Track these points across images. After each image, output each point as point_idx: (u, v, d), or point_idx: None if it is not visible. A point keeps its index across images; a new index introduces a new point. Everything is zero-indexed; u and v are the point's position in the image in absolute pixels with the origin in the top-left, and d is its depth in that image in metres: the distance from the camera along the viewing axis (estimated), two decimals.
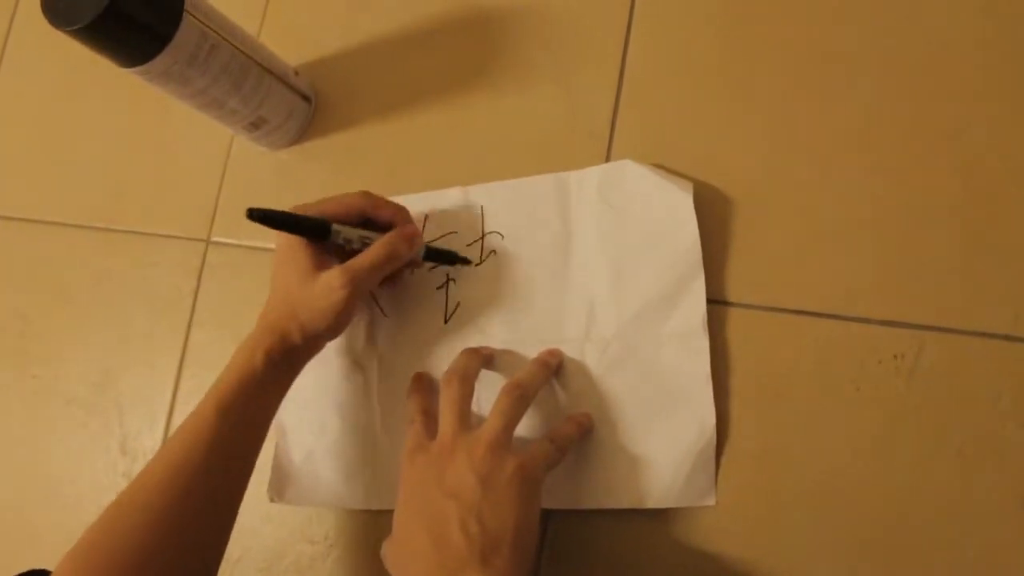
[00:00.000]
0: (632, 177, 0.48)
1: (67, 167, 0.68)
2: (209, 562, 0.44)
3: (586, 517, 0.45)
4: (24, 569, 0.47)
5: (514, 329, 0.49)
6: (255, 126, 0.56)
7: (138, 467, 0.58)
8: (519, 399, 0.43)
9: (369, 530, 0.52)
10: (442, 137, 0.55)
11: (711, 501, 0.44)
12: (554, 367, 0.47)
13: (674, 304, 0.45)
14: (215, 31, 0.49)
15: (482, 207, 0.52)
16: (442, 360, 0.50)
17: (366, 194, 0.48)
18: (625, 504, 0.44)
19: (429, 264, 0.51)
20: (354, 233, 0.47)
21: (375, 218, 0.48)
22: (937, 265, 0.42)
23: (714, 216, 0.47)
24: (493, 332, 0.50)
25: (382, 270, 0.46)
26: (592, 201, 0.49)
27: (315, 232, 0.45)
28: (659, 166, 0.48)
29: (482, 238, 0.51)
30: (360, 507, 0.51)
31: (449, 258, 0.50)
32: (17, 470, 0.63)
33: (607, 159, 0.50)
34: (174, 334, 0.60)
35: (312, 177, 0.59)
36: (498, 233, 0.51)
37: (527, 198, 0.51)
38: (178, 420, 0.58)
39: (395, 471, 0.50)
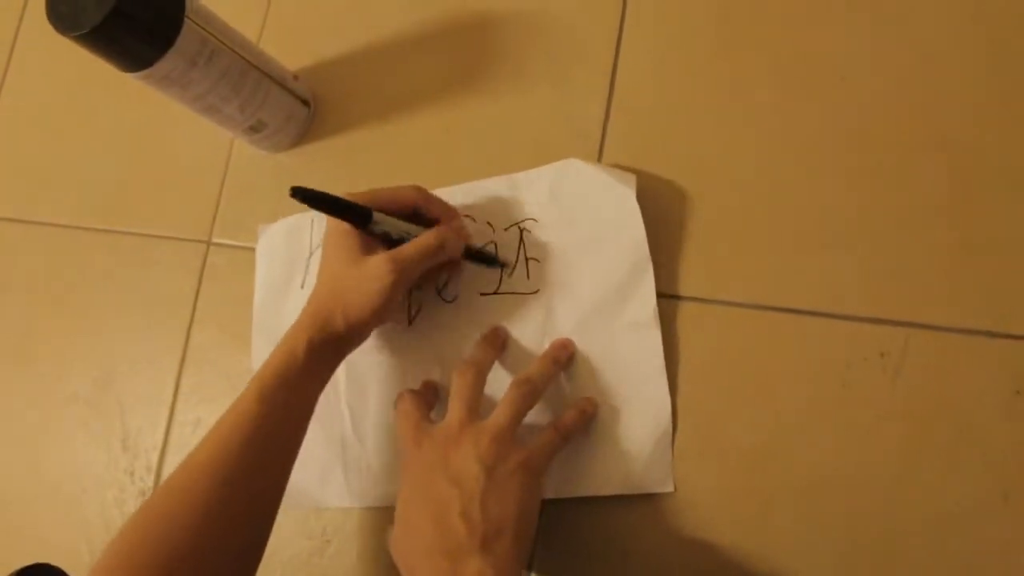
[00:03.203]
0: (578, 175, 0.49)
1: (71, 170, 0.69)
2: (252, 549, 0.45)
3: (579, 505, 0.46)
4: (27, 563, 0.48)
5: (476, 324, 0.50)
6: (255, 129, 0.57)
7: (140, 464, 0.60)
8: (528, 394, 0.44)
9: (366, 526, 0.52)
10: (438, 139, 0.56)
11: (669, 488, 0.45)
12: (564, 361, 0.47)
13: (625, 297, 0.47)
14: (215, 36, 0.50)
15: None
16: (408, 362, 0.51)
17: (418, 188, 0.48)
18: (585, 492, 0.45)
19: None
20: (395, 225, 0.46)
21: (424, 213, 0.48)
22: (922, 263, 0.43)
23: (704, 216, 0.48)
24: (455, 328, 0.51)
25: (428, 260, 0.46)
26: (544, 200, 0.50)
27: (356, 217, 0.45)
28: (647, 169, 0.49)
29: None
30: (334, 506, 0.52)
31: (487, 259, 0.50)
32: (20, 467, 0.64)
33: (599, 159, 0.51)
34: (175, 334, 0.61)
35: (312, 179, 0.58)
36: None
37: (483, 200, 0.52)
38: (179, 418, 0.60)
39: (365, 471, 0.52)
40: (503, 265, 0.50)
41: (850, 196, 0.45)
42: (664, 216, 0.48)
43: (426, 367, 0.51)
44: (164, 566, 0.41)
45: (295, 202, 0.59)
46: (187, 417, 0.59)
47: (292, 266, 0.57)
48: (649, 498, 0.45)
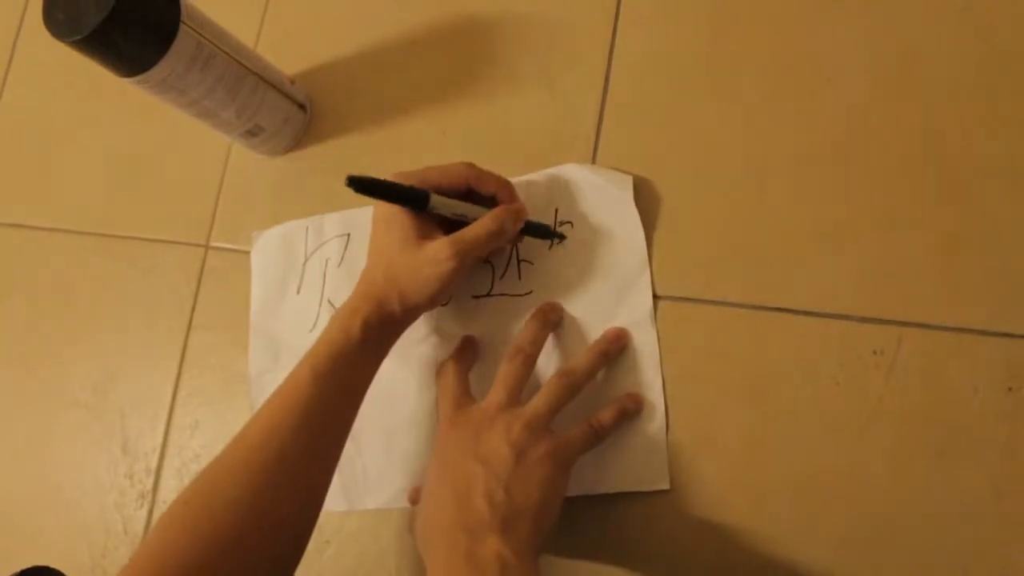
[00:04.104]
0: (577, 179, 0.50)
1: (70, 175, 0.69)
2: (303, 523, 0.44)
3: (576, 503, 0.46)
4: (27, 566, 0.48)
5: (469, 328, 0.51)
6: (252, 134, 0.57)
7: (139, 467, 0.60)
8: (569, 386, 0.44)
9: (365, 528, 0.53)
10: (434, 142, 0.56)
11: (665, 485, 0.45)
12: (614, 355, 0.47)
13: (621, 298, 0.47)
14: (211, 41, 0.51)
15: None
16: (402, 366, 0.51)
17: (471, 165, 0.47)
18: (580, 491, 0.46)
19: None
20: (450, 207, 0.45)
21: (478, 190, 0.47)
22: (915, 262, 0.43)
23: (697, 217, 0.48)
24: (450, 333, 0.51)
25: (489, 244, 0.46)
26: (542, 204, 0.50)
27: (413, 202, 0.44)
28: (639, 170, 0.49)
29: None
30: (330, 510, 0.52)
31: (544, 233, 0.49)
32: (21, 470, 0.65)
33: (593, 161, 0.51)
34: (174, 337, 0.61)
35: (309, 183, 0.60)
36: None
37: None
38: (178, 421, 0.60)
39: (361, 476, 0.52)
40: (560, 237, 0.49)
41: (841, 195, 0.45)
42: (656, 217, 0.48)
43: (421, 371, 0.51)
44: (211, 548, 0.40)
45: (292, 205, 0.60)
46: (186, 420, 0.60)
47: (288, 271, 0.58)
48: (645, 496, 0.45)
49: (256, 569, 0.41)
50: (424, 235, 0.45)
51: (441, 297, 0.46)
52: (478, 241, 0.45)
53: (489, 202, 0.47)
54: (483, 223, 0.45)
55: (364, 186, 0.43)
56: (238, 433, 0.44)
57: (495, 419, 0.43)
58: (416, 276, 0.44)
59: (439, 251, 0.44)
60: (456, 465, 0.42)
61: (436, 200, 0.45)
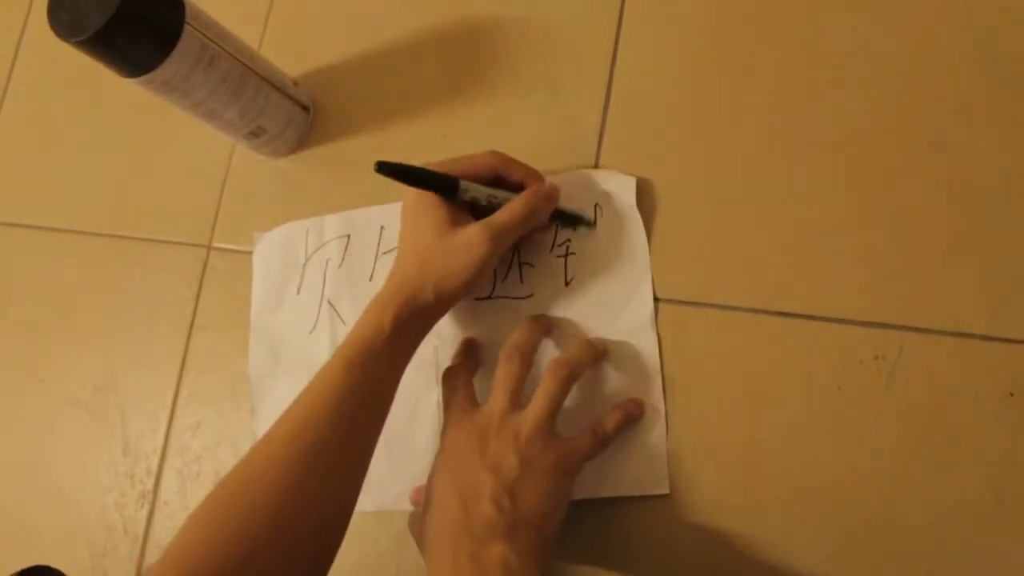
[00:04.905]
0: (579, 181, 0.50)
1: (72, 176, 0.69)
2: (336, 519, 0.43)
3: (575, 507, 0.45)
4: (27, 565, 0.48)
5: (470, 330, 0.51)
6: (255, 135, 0.58)
7: (140, 468, 0.60)
8: (565, 380, 0.44)
9: (364, 529, 0.53)
10: (436, 145, 0.56)
11: (665, 489, 0.45)
12: (602, 349, 0.47)
13: (623, 301, 0.47)
14: (215, 43, 0.51)
15: None
16: None
17: (497, 153, 0.47)
18: (581, 495, 0.46)
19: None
20: (482, 191, 0.45)
21: (507, 177, 0.47)
22: (917, 266, 0.43)
23: (699, 220, 0.48)
24: (451, 336, 0.51)
25: (522, 227, 0.46)
26: None
27: (443, 188, 0.44)
28: (641, 174, 0.49)
29: None
30: None
31: (574, 220, 0.49)
32: (22, 470, 0.65)
33: (596, 163, 0.51)
34: (176, 338, 0.61)
35: (311, 184, 0.60)
36: None
37: None
38: (179, 422, 0.60)
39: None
40: (590, 224, 0.49)
41: (843, 199, 0.45)
42: (657, 220, 0.48)
43: (422, 373, 0.51)
44: (244, 545, 0.40)
45: (295, 206, 0.60)
46: (187, 421, 0.60)
47: (288, 272, 0.58)
48: (645, 499, 0.45)
49: (288, 569, 0.41)
50: (457, 222, 0.45)
51: (477, 283, 0.45)
52: (512, 222, 0.45)
53: (518, 190, 0.47)
54: (516, 204, 0.45)
55: (394, 171, 0.42)
56: (268, 429, 0.43)
57: (501, 426, 0.43)
58: (451, 263, 0.44)
59: (474, 235, 0.44)
60: (463, 471, 0.42)
61: (466, 185, 0.44)
